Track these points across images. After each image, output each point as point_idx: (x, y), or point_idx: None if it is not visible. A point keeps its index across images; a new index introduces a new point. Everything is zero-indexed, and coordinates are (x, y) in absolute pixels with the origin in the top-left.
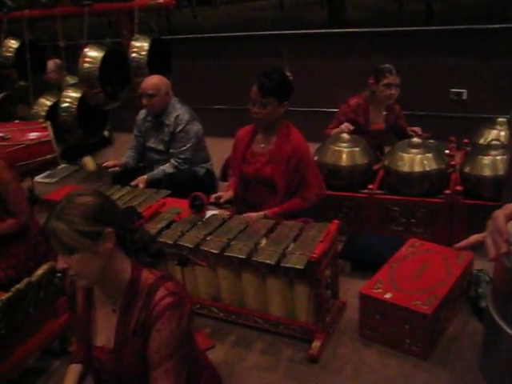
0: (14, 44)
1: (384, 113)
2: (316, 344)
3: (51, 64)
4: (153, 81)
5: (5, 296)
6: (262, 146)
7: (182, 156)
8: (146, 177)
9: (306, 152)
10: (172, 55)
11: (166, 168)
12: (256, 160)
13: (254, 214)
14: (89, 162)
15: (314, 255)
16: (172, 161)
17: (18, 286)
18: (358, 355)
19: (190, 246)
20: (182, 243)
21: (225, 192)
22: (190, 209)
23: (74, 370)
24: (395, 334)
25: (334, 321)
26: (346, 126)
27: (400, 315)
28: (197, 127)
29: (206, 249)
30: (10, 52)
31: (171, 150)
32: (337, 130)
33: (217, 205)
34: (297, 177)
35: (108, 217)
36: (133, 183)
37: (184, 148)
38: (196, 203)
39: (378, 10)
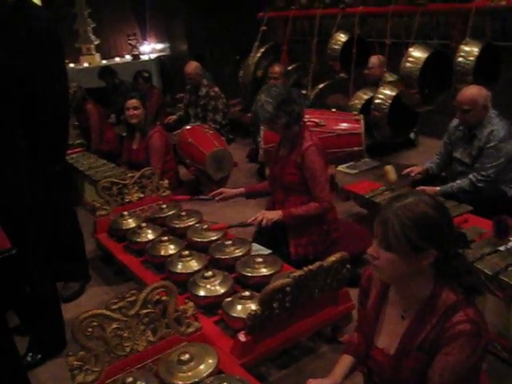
0: (342, 38)
1: None
2: None
3: (375, 60)
4: (469, 94)
5: (297, 273)
6: None
7: (483, 173)
8: (436, 189)
9: None
10: (503, 63)
11: (463, 183)
12: None
13: None
14: (390, 171)
15: None
16: (471, 176)
17: (310, 266)
18: None
19: (489, 272)
20: (479, 267)
21: None
22: (494, 233)
23: (346, 360)
24: None
25: None
26: None
27: None
28: (511, 146)
29: (505, 279)
30: (338, 45)
31: (476, 165)
32: None
33: None
34: None
35: (439, 238)
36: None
37: (490, 165)
38: (499, 227)
39: None
